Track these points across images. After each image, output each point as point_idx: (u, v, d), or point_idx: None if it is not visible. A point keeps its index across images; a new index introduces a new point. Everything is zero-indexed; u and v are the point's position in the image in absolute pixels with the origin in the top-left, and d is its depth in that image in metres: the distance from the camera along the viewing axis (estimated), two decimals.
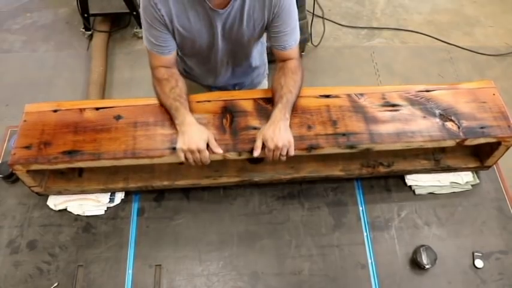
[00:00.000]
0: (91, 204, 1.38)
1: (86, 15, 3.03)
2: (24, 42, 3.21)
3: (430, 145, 1.29)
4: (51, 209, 1.38)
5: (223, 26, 1.29)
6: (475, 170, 1.46)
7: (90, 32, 3.15)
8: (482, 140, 1.30)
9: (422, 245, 1.28)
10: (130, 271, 1.28)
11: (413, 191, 1.43)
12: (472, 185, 1.45)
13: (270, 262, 1.31)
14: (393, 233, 1.36)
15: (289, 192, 1.44)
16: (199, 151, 1.20)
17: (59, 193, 1.39)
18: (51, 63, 3.06)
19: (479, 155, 1.42)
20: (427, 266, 1.25)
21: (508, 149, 1.34)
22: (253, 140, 1.24)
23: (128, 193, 1.42)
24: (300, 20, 2.75)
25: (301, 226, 1.37)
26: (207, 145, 1.22)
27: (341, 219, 1.38)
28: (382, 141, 1.27)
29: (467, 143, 1.30)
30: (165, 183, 1.39)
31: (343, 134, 1.27)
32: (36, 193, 1.38)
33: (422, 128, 1.30)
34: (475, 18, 3.38)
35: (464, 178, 1.44)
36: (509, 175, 1.52)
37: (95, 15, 3.09)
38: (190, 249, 1.33)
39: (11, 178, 1.43)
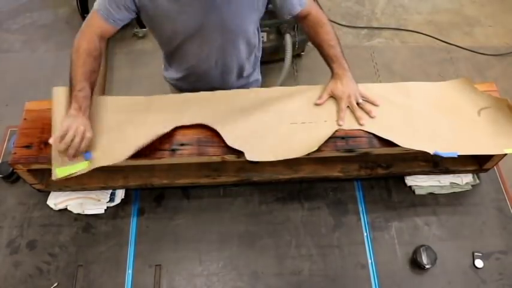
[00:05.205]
0: (91, 203, 1.38)
1: (85, 15, 3.02)
2: (24, 42, 3.21)
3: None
4: (51, 209, 1.38)
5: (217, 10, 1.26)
6: (474, 173, 1.46)
7: None
8: None
9: (422, 245, 1.28)
10: (130, 271, 1.28)
11: (413, 191, 1.43)
12: (472, 185, 1.45)
13: (270, 262, 1.31)
14: (393, 233, 1.36)
15: (289, 192, 1.44)
16: (83, 138, 1.13)
17: (60, 190, 1.39)
18: (51, 63, 3.06)
19: (478, 157, 1.41)
20: (427, 266, 1.25)
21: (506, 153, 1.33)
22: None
23: (128, 193, 1.42)
24: None
25: (301, 226, 1.37)
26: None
27: (341, 219, 1.38)
28: (381, 145, 1.27)
29: None
30: (165, 181, 1.39)
31: (342, 138, 1.27)
32: (38, 190, 1.38)
33: None
34: (475, 18, 3.38)
35: (464, 179, 1.44)
36: (509, 175, 1.52)
37: None
38: (190, 249, 1.33)
39: (11, 178, 1.43)
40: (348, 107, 1.29)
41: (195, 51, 1.43)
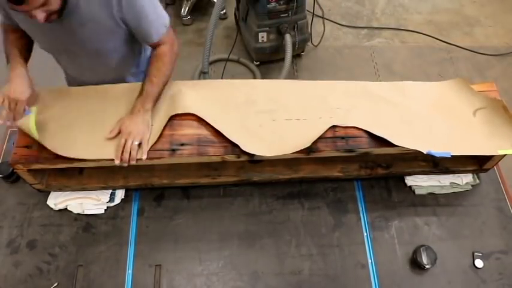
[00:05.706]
0: (91, 202, 1.38)
1: None
2: None
3: None
4: (51, 209, 1.38)
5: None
6: (474, 173, 1.46)
7: None
8: None
9: (422, 245, 1.28)
10: (130, 271, 1.28)
11: (413, 191, 1.43)
12: (472, 185, 1.45)
13: (270, 262, 1.31)
14: (393, 233, 1.36)
15: (289, 192, 1.44)
16: (17, 102, 1.20)
17: (60, 190, 1.39)
18: (51, 63, 3.05)
19: (478, 157, 1.41)
20: (427, 266, 1.25)
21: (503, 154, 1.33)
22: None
23: (128, 193, 1.42)
24: (300, 20, 2.77)
25: (301, 226, 1.37)
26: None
27: (341, 219, 1.38)
28: (381, 145, 1.27)
29: None
30: (165, 181, 1.39)
31: (342, 138, 1.28)
32: (38, 190, 1.38)
33: None
34: (475, 18, 3.38)
35: (464, 179, 1.44)
36: (509, 175, 1.52)
37: None
38: (190, 249, 1.33)
39: (11, 178, 1.43)
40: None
41: (68, 65, 1.49)
